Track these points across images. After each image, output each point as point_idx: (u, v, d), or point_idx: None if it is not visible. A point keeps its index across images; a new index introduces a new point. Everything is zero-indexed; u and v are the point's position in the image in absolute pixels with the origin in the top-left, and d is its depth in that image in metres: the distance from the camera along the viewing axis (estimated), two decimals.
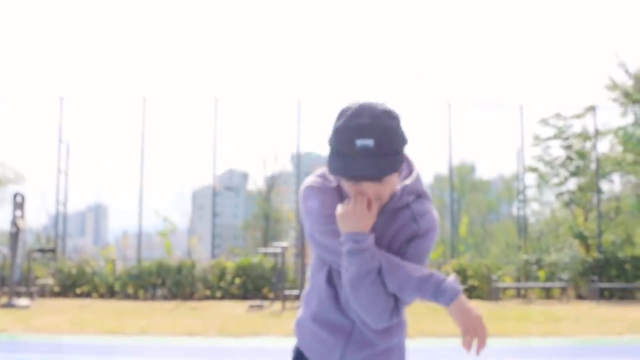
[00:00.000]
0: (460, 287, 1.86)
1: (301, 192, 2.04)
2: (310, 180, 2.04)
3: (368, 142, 1.76)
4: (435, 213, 1.98)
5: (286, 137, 46.35)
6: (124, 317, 12.09)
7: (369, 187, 1.83)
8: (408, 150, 1.95)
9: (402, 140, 1.86)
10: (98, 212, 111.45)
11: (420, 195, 2.00)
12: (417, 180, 1.99)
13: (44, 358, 8.20)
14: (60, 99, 20.43)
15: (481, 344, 1.84)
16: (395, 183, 1.89)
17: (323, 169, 2.04)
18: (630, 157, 20.50)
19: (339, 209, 1.89)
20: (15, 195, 15.47)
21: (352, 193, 1.87)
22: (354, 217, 1.85)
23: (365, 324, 1.96)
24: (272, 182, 42.65)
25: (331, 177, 2.01)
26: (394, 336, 2.03)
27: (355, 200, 1.87)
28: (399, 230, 1.96)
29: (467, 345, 1.83)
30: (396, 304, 1.91)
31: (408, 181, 1.96)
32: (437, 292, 1.85)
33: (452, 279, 1.88)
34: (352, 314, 1.98)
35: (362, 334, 1.99)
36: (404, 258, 1.93)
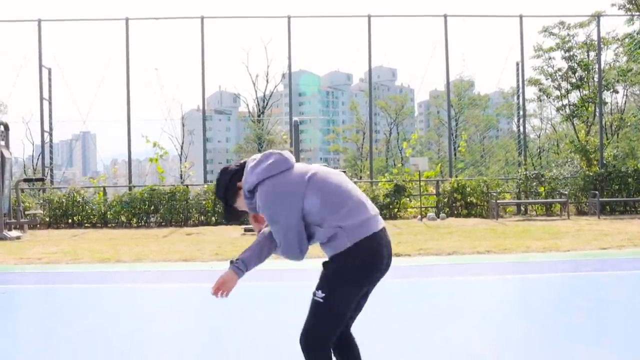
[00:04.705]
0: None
1: None
2: None
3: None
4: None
5: (277, 56, 45.00)
6: (117, 245, 11.87)
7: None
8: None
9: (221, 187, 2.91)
10: (85, 140, 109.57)
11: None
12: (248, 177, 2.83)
13: (40, 288, 8.03)
14: (39, 21, 19.60)
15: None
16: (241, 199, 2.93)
17: None
18: (635, 67, 19.76)
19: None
20: None
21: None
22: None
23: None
24: (264, 103, 41.78)
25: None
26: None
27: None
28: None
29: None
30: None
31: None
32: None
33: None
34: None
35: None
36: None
